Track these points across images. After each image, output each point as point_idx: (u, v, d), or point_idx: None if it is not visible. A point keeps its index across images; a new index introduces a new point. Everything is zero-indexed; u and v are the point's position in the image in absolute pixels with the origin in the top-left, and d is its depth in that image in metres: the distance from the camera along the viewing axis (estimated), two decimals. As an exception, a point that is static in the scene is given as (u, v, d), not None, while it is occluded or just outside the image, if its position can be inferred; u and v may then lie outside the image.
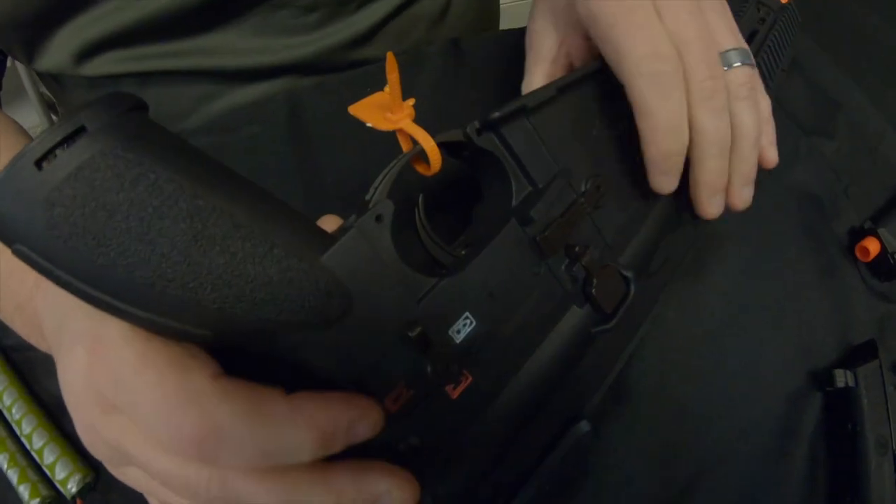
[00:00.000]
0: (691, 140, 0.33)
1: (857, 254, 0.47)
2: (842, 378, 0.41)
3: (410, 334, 0.25)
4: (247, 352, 0.23)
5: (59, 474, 0.38)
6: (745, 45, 0.35)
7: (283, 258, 0.22)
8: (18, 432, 0.39)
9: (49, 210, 0.19)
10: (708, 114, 0.32)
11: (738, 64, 0.34)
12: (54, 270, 0.20)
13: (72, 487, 0.37)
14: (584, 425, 0.31)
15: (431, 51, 0.45)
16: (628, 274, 0.32)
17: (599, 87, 0.34)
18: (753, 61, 0.35)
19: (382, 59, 0.30)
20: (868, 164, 0.52)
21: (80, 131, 0.19)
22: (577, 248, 0.31)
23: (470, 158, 0.31)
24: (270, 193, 0.24)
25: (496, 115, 0.29)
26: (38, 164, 0.19)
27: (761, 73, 0.41)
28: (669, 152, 0.32)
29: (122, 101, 0.21)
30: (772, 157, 0.37)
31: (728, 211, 0.36)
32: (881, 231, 0.47)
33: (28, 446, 0.39)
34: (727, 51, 0.35)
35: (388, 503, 0.23)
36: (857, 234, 0.48)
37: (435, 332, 0.26)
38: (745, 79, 0.34)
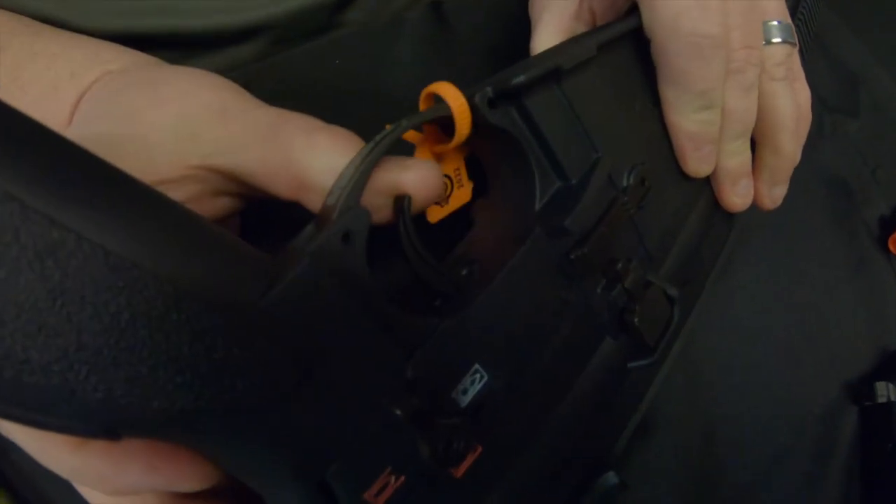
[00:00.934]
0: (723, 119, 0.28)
1: (890, 246, 0.42)
2: (883, 392, 0.36)
3: (398, 412, 0.18)
4: None
5: None
6: (790, 21, 0.29)
7: (199, 313, 0.14)
8: None
9: None
10: (734, 89, 0.27)
11: (779, 40, 0.29)
12: None
13: None
14: (612, 477, 0.24)
15: (410, 16, 0.37)
16: (673, 293, 0.25)
17: (640, 47, 0.27)
18: (796, 40, 0.29)
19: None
20: (893, 142, 0.48)
21: None
22: (619, 266, 0.23)
23: (476, 139, 0.23)
24: (180, 209, 0.16)
25: (520, 78, 0.21)
26: None
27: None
28: (701, 130, 0.27)
29: None
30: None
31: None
32: (914, 221, 0.42)
33: None
34: (769, 23, 0.29)
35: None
36: (889, 225, 0.43)
37: (434, 399, 0.19)
38: (782, 57, 0.29)
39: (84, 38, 0.26)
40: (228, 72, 0.31)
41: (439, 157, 0.23)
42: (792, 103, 0.28)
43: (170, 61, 0.32)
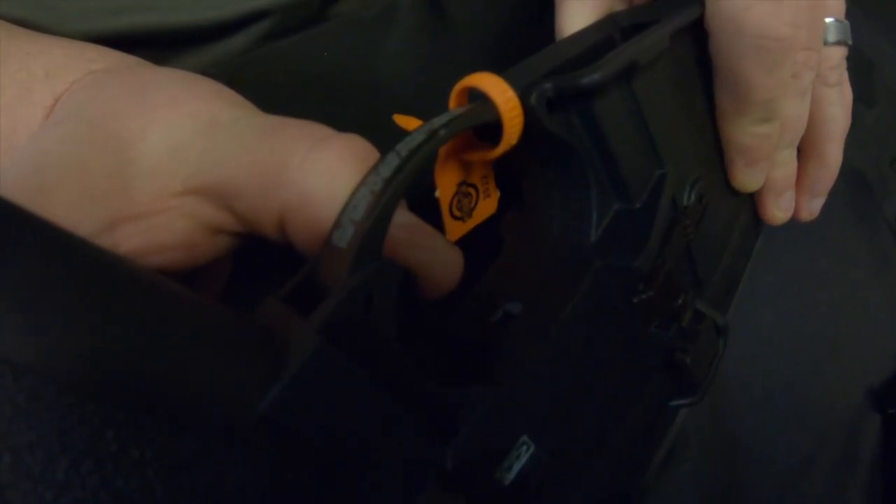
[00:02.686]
0: None
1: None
2: (908, 399, 0.34)
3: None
4: None
5: None
6: (845, 19, 0.27)
7: (170, 443, 0.11)
8: None
9: None
10: (791, 94, 0.24)
11: (835, 40, 0.26)
12: None
13: None
14: None
15: (403, 3, 0.34)
16: (722, 322, 0.23)
17: (699, 40, 0.23)
18: (850, 40, 0.27)
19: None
20: None
21: None
22: (678, 302, 0.21)
23: (515, 151, 0.18)
24: (135, 277, 0.12)
25: (594, 77, 0.17)
26: None
27: None
28: (760, 139, 0.24)
29: None
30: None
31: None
32: (935, 216, 0.40)
33: None
34: (826, 20, 0.26)
35: None
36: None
37: (477, 484, 0.16)
38: (837, 60, 0.26)
39: (66, 39, 0.23)
40: (212, 68, 0.28)
41: (468, 167, 0.19)
42: (844, 112, 0.26)
43: (153, 61, 0.28)
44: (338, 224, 0.14)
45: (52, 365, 0.09)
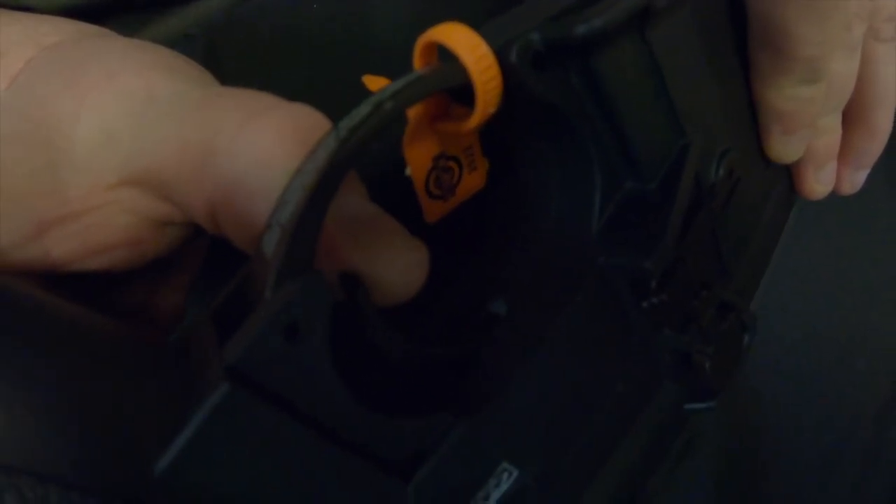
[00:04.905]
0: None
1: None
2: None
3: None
4: None
5: None
6: None
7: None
8: None
9: None
10: (839, 49, 0.21)
11: None
12: None
13: None
14: None
15: None
16: (749, 318, 0.19)
17: None
18: None
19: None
20: None
21: None
22: (698, 301, 0.17)
23: (502, 116, 0.15)
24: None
25: (596, 23, 0.13)
26: None
27: None
28: (801, 104, 0.21)
29: None
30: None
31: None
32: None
33: None
34: None
35: None
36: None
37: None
38: (893, 12, 0.22)
39: (26, 14, 0.20)
40: (195, 28, 0.25)
41: (444, 138, 0.15)
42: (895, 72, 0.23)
43: (134, 27, 0.26)
44: (267, 225, 0.12)
45: None
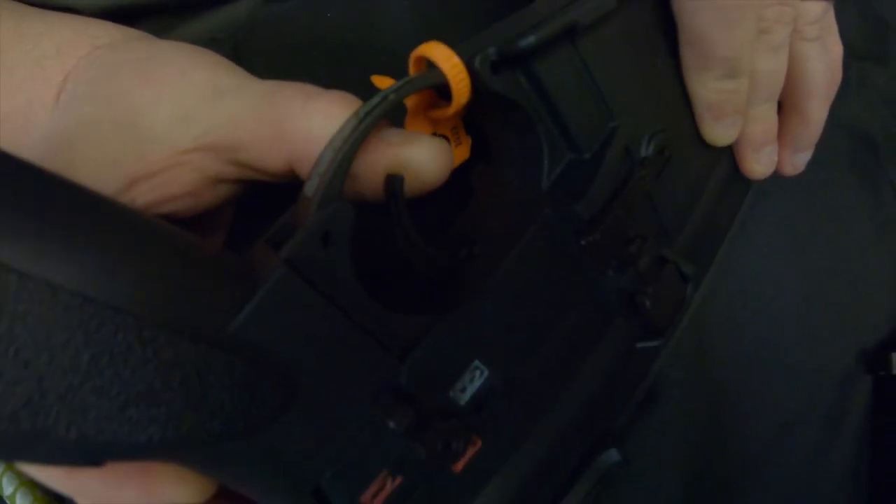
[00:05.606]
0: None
1: (916, 206, 0.39)
2: (898, 362, 0.34)
3: (392, 426, 0.17)
4: None
5: None
6: None
7: (164, 345, 0.14)
8: None
9: None
10: (761, 50, 0.24)
11: None
12: None
13: None
14: (614, 454, 0.23)
15: None
16: (688, 270, 0.23)
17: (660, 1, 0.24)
18: None
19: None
20: None
21: None
22: (632, 248, 0.21)
23: (477, 108, 0.21)
24: (135, 221, 0.15)
25: (530, 39, 0.19)
26: None
27: None
28: (725, 94, 0.24)
29: None
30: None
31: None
32: (942, 180, 0.39)
33: None
34: None
35: None
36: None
37: (430, 401, 0.18)
38: (817, 15, 0.26)
39: (71, 15, 0.25)
40: (219, 33, 0.30)
41: (435, 122, 0.21)
42: (824, 67, 0.26)
43: (160, 29, 0.30)
44: (310, 177, 0.17)
45: (84, 285, 0.13)
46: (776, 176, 0.34)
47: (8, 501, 0.34)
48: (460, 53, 0.18)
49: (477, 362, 0.19)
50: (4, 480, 0.35)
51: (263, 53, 0.30)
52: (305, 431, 0.16)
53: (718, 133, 0.25)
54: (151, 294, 0.13)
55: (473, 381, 0.19)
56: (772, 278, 0.35)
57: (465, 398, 0.19)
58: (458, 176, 0.21)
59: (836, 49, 0.27)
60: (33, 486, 0.35)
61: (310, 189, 0.17)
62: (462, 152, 0.22)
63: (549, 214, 0.20)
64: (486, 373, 0.19)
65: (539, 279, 0.20)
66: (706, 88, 0.24)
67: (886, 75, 0.43)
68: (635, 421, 0.30)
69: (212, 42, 0.32)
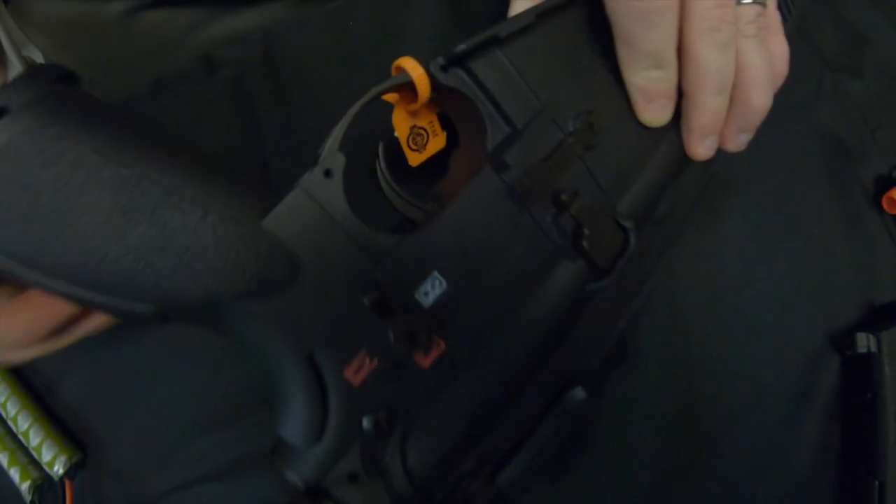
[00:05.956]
0: (688, 75, 0.29)
1: (884, 205, 0.43)
2: (864, 342, 0.37)
3: (366, 300, 0.23)
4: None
5: (45, 456, 0.36)
6: None
7: (218, 224, 0.21)
8: (4, 415, 0.38)
9: None
10: (710, 47, 0.28)
11: (748, 1, 0.29)
12: None
13: (58, 469, 0.36)
14: (579, 392, 0.27)
15: None
16: (627, 224, 0.28)
17: (590, 12, 0.29)
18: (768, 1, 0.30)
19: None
20: None
21: (1, 112, 0.20)
22: (563, 196, 0.26)
23: (443, 99, 0.27)
24: (208, 157, 0.23)
25: (462, 47, 0.25)
26: None
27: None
28: (652, 85, 0.29)
29: (46, 75, 0.21)
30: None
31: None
32: (910, 181, 0.42)
33: (14, 429, 0.37)
34: None
35: None
36: (884, 184, 0.43)
37: (398, 297, 0.24)
38: (752, 17, 0.29)
39: None
40: (252, 33, 0.35)
41: (414, 114, 0.28)
42: (763, 60, 0.29)
43: (199, 21, 0.36)
44: (322, 146, 0.24)
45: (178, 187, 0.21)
46: (750, 168, 0.38)
47: (22, 437, 0.37)
48: (424, 66, 0.25)
49: (436, 273, 0.24)
50: (20, 418, 0.37)
51: (291, 56, 0.34)
52: (303, 305, 0.22)
53: (651, 115, 0.29)
54: (217, 196, 0.21)
55: (434, 288, 0.24)
56: (747, 265, 0.39)
57: (428, 302, 0.24)
58: (438, 160, 0.28)
59: (780, 47, 0.31)
60: (46, 422, 0.37)
61: (322, 150, 0.23)
62: (438, 142, 0.29)
63: (488, 169, 0.26)
64: (444, 283, 0.24)
65: (484, 215, 0.26)
66: (637, 77, 0.28)
67: (861, 86, 0.47)
68: (613, 381, 0.34)
69: (244, 42, 0.37)
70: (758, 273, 0.38)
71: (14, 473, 0.37)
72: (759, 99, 0.30)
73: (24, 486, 0.36)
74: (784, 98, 0.41)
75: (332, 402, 0.23)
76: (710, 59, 0.28)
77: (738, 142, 0.31)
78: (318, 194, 0.23)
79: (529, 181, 0.26)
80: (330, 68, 0.35)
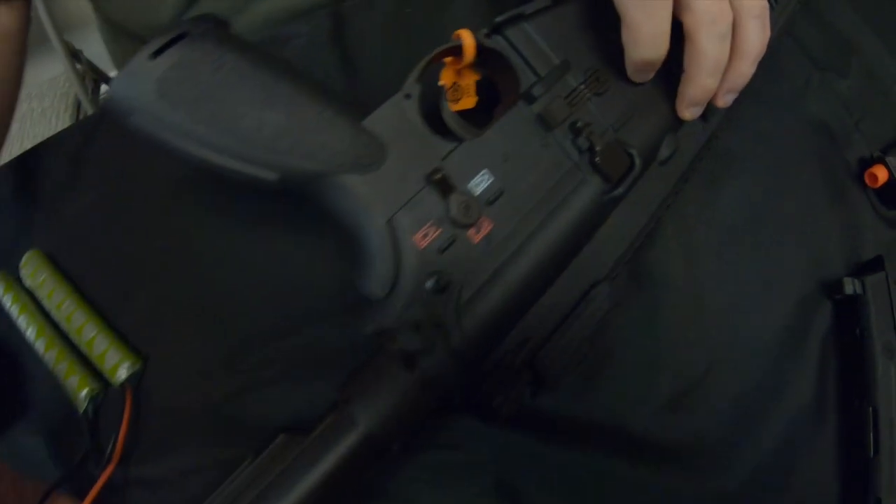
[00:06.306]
0: (688, 57, 0.35)
1: (866, 180, 0.49)
2: (850, 286, 0.43)
3: (434, 177, 0.31)
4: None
5: (108, 363, 0.39)
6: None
7: (332, 119, 0.30)
8: (68, 328, 0.40)
9: (159, 87, 0.28)
10: (709, 37, 0.34)
11: None
12: (159, 133, 0.29)
13: (121, 374, 0.39)
14: (604, 287, 0.34)
15: None
16: (632, 150, 0.36)
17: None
18: None
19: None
20: (881, 103, 0.53)
21: (183, 35, 0.29)
22: (579, 123, 0.35)
23: (484, 62, 0.35)
24: (325, 83, 0.34)
25: (498, 19, 0.34)
26: (153, 56, 0.29)
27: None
28: (647, 61, 0.35)
29: (211, 18, 0.31)
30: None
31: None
32: (889, 160, 0.48)
33: (78, 340, 0.40)
34: None
35: None
36: (867, 163, 0.50)
37: (457, 182, 0.32)
38: (762, 8, 0.35)
39: None
40: (322, 10, 0.44)
41: (460, 73, 0.37)
42: (760, 40, 0.35)
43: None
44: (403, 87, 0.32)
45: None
46: (743, 145, 0.44)
47: (86, 346, 0.39)
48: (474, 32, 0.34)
49: (485, 170, 0.32)
50: (86, 329, 0.39)
51: (358, 29, 0.43)
52: (386, 182, 0.30)
53: (639, 78, 0.37)
54: (330, 101, 0.31)
55: (483, 181, 0.32)
56: (745, 216, 0.45)
57: (478, 190, 0.32)
58: (485, 111, 0.37)
59: (767, 32, 0.37)
60: (110, 332, 0.39)
61: (405, 83, 0.32)
62: (469, 102, 0.38)
63: (521, 103, 0.34)
64: (490, 178, 0.32)
65: (519, 135, 0.34)
66: (635, 55, 0.35)
67: (846, 85, 0.53)
68: (631, 295, 0.41)
69: (311, 10, 0.46)
70: (757, 224, 0.45)
71: (72, 381, 0.39)
72: (750, 68, 0.36)
73: (82, 394, 0.38)
74: (775, 90, 0.49)
75: (403, 261, 0.30)
76: (708, 47, 0.34)
77: (726, 100, 0.38)
78: (401, 108, 0.31)
79: (552, 111, 0.34)
80: (392, 41, 0.44)
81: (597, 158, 0.34)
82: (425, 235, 0.31)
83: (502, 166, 0.33)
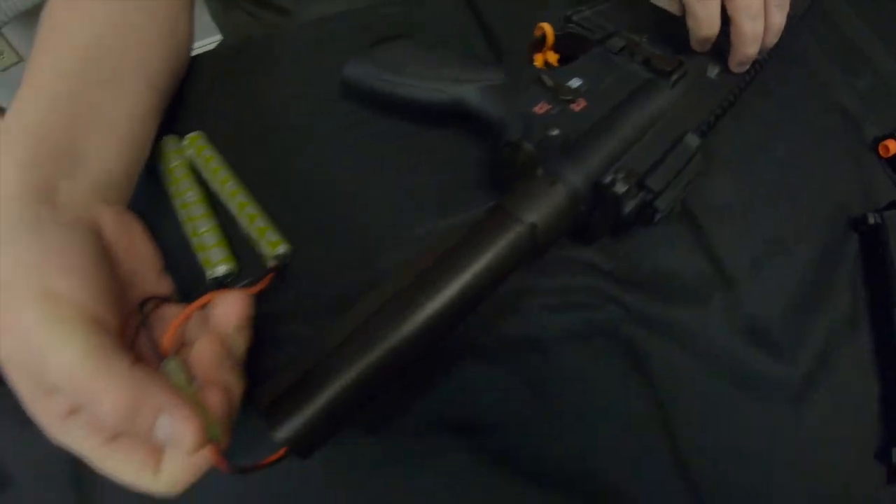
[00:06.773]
0: (734, 33, 0.50)
1: (880, 151, 0.59)
2: (872, 218, 0.53)
3: (542, 77, 0.47)
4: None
5: (269, 238, 0.42)
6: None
7: (484, 70, 0.49)
8: (230, 202, 0.44)
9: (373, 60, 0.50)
10: (745, 18, 0.49)
11: None
12: (375, 85, 0.50)
13: (281, 249, 0.42)
14: (693, 138, 0.46)
15: None
16: (682, 58, 0.50)
17: None
18: None
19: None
20: (888, 99, 0.64)
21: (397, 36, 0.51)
22: (654, 60, 0.49)
23: (566, 47, 0.52)
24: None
25: (569, 13, 0.54)
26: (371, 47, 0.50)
27: None
28: (706, 38, 0.50)
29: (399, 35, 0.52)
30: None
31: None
32: (900, 135, 0.59)
33: (239, 213, 0.43)
34: None
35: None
36: (879, 139, 0.60)
37: (558, 81, 0.47)
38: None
39: None
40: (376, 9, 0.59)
41: (543, 55, 0.53)
42: (782, 20, 0.51)
43: None
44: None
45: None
46: (784, 122, 0.57)
47: (248, 219, 0.44)
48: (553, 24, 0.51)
49: (577, 76, 0.48)
50: (249, 207, 0.44)
51: (427, 19, 0.58)
52: (515, 89, 0.47)
53: (702, 49, 0.52)
54: (480, 65, 0.49)
55: (576, 81, 0.48)
56: (775, 162, 0.57)
57: (574, 85, 0.48)
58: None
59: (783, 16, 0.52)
60: (269, 217, 0.44)
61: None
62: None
63: (596, 48, 0.51)
64: (581, 80, 0.48)
65: (597, 60, 0.51)
66: (699, 34, 0.50)
67: (860, 82, 0.64)
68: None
69: (340, 15, 0.59)
70: (786, 170, 0.56)
71: (216, 253, 0.41)
72: (775, 38, 0.52)
73: (221, 269, 0.40)
74: (806, 84, 0.61)
75: (531, 120, 0.44)
76: (746, 25, 0.49)
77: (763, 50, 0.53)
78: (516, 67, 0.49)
79: (614, 43, 0.51)
80: (458, 35, 0.60)
81: (653, 61, 0.49)
82: (542, 108, 0.45)
83: (589, 74, 0.48)
